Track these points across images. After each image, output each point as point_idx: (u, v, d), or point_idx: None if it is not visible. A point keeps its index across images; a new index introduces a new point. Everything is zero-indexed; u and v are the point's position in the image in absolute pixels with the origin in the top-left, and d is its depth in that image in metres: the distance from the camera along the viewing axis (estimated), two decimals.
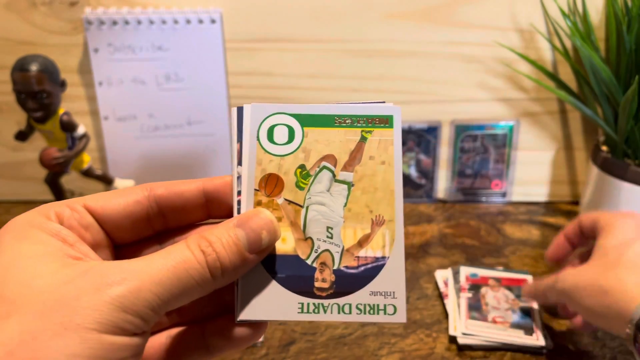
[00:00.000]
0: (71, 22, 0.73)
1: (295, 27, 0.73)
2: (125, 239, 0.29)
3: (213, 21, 0.71)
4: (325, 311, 0.28)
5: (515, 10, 0.72)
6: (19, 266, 0.23)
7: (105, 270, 0.23)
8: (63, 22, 0.73)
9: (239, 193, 0.29)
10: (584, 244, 0.53)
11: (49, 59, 0.65)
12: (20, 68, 0.63)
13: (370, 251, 0.29)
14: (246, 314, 0.28)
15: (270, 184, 0.29)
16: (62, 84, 0.67)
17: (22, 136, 0.69)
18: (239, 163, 0.29)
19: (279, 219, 0.28)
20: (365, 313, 0.28)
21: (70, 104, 0.75)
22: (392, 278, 0.28)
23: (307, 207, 0.29)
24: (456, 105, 0.77)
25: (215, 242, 0.25)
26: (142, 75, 0.73)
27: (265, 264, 0.28)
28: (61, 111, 0.67)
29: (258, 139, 0.29)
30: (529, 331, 0.54)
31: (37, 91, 0.63)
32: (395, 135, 0.30)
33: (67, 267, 0.23)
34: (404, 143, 0.78)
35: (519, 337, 0.53)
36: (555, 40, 0.73)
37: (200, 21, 0.71)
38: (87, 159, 0.73)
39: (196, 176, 0.82)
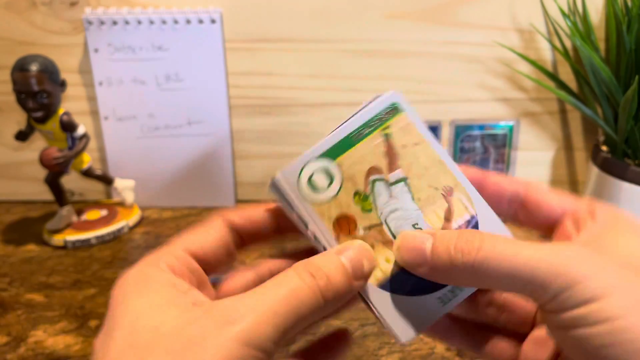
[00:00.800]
0: (71, 22, 0.73)
1: (295, 27, 0.73)
2: (218, 272, 0.30)
3: (213, 21, 0.71)
4: (461, 289, 0.29)
5: (515, 10, 0.72)
6: (145, 316, 0.24)
7: (225, 308, 0.24)
8: (63, 22, 0.73)
9: (324, 249, 0.29)
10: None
11: (49, 59, 0.65)
12: (20, 68, 0.63)
13: (459, 219, 0.30)
14: (406, 336, 0.28)
15: (344, 225, 0.29)
16: (62, 84, 0.67)
17: (22, 136, 0.69)
18: (306, 227, 0.29)
19: (372, 246, 0.29)
20: None
21: (70, 104, 0.75)
22: (492, 226, 0.30)
23: (385, 222, 0.29)
24: (456, 105, 0.77)
25: (324, 266, 0.26)
26: (142, 75, 0.73)
27: (390, 289, 0.29)
28: (61, 111, 0.67)
29: (306, 199, 0.29)
30: None
31: (37, 91, 0.63)
32: (409, 116, 0.31)
33: (188, 312, 0.24)
34: None
35: None
36: (555, 40, 0.73)
37: (200, 21, 0.71)
38: (87, 159, 0.73)
39: (195, 176, 0.83)
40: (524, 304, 0.33)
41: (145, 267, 0.27)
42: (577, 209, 0.30)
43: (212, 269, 0.30)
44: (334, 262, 0.26)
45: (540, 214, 0.31)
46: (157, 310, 0.24)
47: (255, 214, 0.30)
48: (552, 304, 0.25)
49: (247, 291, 0.25)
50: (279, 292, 0.24)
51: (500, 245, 0.25)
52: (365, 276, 0.27)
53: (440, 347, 0.54)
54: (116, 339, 0.24)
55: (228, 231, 0.30)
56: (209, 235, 0.29)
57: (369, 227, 0.29)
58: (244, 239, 0.31)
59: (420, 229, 0.29)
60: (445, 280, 0.28)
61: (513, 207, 0.32)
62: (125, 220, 0.73)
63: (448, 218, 0.30)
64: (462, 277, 0.26)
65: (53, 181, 0.71)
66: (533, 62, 0.72)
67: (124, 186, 0.75)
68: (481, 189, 0.31)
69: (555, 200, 0.31)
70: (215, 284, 0.30)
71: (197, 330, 0.23)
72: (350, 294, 0.27)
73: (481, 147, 0.78)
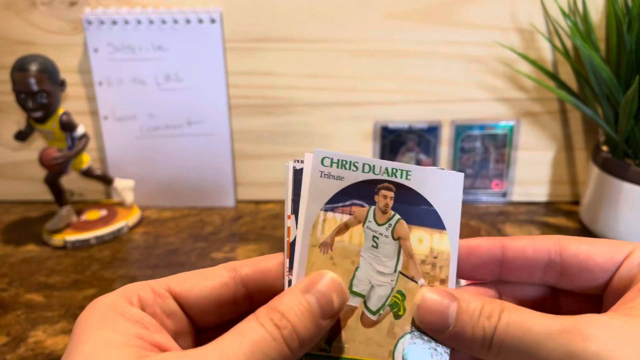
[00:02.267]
0: (71, 22, 0.73)
1: (295, 27, 0.73)
2: (209, 323, 0.28)
3: (213, 21, 0.71)
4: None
5: (515, 10, 0.72)
6: (96, 357, 0.22)
7: None
8: (63, 22, 0.73)
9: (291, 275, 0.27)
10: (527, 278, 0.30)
11: (49, 59, 0.65)
12: (19, 68, 0.63)
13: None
14: None
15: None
16: (62, 84, 0.67)
17: (21, 136, 0.69)
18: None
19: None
20: None
21: (70, 104, 0.75)
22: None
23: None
24: (456, 105, 0.77)
25: (287, 313, 0.24)
26: (142, 75, 0.73)
27: None
28: (61, 111, 0.67)
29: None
30: None
31: (37, 91, 0.63)
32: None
33: (144, 359, 0.22)
34: (403, 143, 0.78)
35: None
36: (556, 40, 0.72)
37: (200, 21, 0.71)
38: (87, 159, 0.73)
39: (195, 176, 0.83)
40: None
41: (116, 296, 0.25)
42: (632, 263, 0.26)
43: (201, 319, 0.27)
44: (299, 305, 0.24)
45: (588, 278, 0.28)
46: (111, 352, 0.22)
47: (269, 264, 0.28)
48: None
49: (208, 344, 0.23)
50: (241, 346, 0.22)
51: (514, 320, 0.24)
52: (336, 313, 0.25)
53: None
54: None
55: (233, 283, 0.27)
56: (206, 281, 0.27)
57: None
58: (253, 297, 0.28)
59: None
60: (463, 350, 0.26)
61: (552, 275, 0.28)
62: (125, 221, 0.73)
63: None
64: (481, 352, 0.25)
65: (53, 181, 0.71)
66: (533, 62, 0.72)
67: (123, 186, 0.75)
68: (502, 263, 0.28)
69: (603, 255, 0.27)
70: None
71: None
72: (320, 335, 0.25)
73: (481, 147, 0.78)
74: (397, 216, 0.28)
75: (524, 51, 0.73)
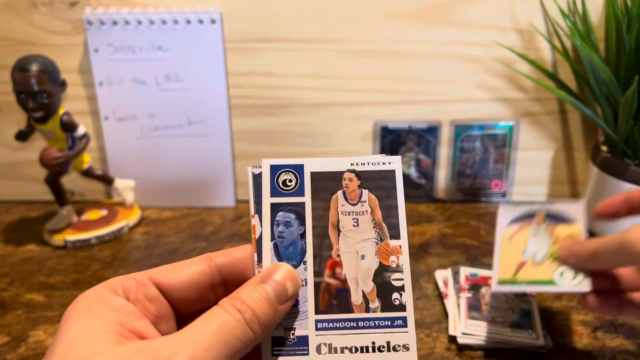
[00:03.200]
0: (71, 22, 0.73)
1: (295, 27, 0.73)
2: (190, 309, 0.30)
3: (213, 21, 0.71)
4: None
5: (515, 10, 0.72)
6: (79, 342, 0.24)
7: (158, 347, 0.24)
8: (63, 22, 0.73)
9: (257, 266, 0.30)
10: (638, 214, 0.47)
11: (49, 59, 0.65)
12: (20, 68, 0.63)
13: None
14: None
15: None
16: (62, 84, 0.67)
17: (22, 136, 0.69)
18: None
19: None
20: None
21: (71, 104, 0.75)
22: None
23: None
24: (456, 105, 0.77)
25: (247, 300, 0.26)
26: (142, 75, 0.73)
27: None
28: (61, 111, 0.67)
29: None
30: (528, 331, 0.54)
31: (37, 91, 0.63)
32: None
33: (122, 344, 0.24)
34: (403, 143, 0.78)
35: (518, 337, 0.53)
36: (555, 40, 0.73)
37: (200, 21, 0.71)
38: (87, 159, 0.73)
39: (195, 176, 0.83)
40: None
41: (100, 287, 0.27)
42: None
43: (181, 305, 0.30)
44: (257, 294, 0.27)
45: None
46: (93, 337, 0.24)
47: (241, 254, 0.30)
48: None
49: (178, 331, 0.25)
50: (209, 328, 0.25)
51: (595, 240, 0.43)
52: (290, 299, 0.28)
53: (440, 347, 0.54)
54: None
55: (209, 270, 0.30)
56: (185, 269, 0.30)
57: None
58: (228, 283, 0.30)
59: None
60: (580, 265, 0.45)
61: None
62: (125, 220, 0.73)
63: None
64: (589, 263, 0.44)
65: (53, 181, 0.71)
66: (533, 62, 0.72)
67: (124, 186, 0.75)
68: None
69: None
70: None
71: None
72: (279, 319, 0.28)
73: (481, 147, 0.78)
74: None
75: (523, 51, 0.73)
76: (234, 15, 0.72)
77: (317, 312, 0.30)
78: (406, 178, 0.80)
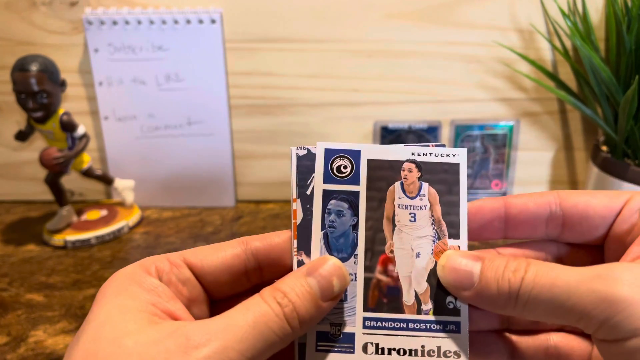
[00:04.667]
0: (71, 22, 0.73)
1: (295, 27, 0.73)
2: (223, 294, 0.29)
3: (213, 21, 0.71)
4: None
5: (515, 10, 0.72)
6: (111, 321, 0.24)
7: (191, 331, 0.23)
8: (63, 22, 0.73)
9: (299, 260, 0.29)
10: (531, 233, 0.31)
11: (49, 59, 0.65)
12: (20, 68, 0.63)
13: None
14: None
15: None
16: (62, 84, 0.67)
17: (22, 136, 0.69)
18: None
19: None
20: None
21: (70, 104, 0.75)
22: None
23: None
24: (456, 105, 0.77)
25: (289, 293, 0.25)
26: (142, 75, 0.73)
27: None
28: (61, 111, 0.67)
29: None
30: None
31: (37, 91, 0.63)
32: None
33: (155, 325, 0.24)
34: (403, 143, 0.78)
35: None
36: (555, 40, 0.73)
37: (200, 21, 0.71)
38: (87, 159, 0.73)
39: (195, 176, 0.83)
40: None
41: (134, 267, 0.27)
42: (631, 209, 0.27)
43: (214, 289, 0.29)
44: (300, 287, 0.26)
45: (588, 227, 0.28)
46: (125, 317, 0.24)
47: (278, 239, 0.29)
48: (600, 333, 0.23)
49: (214, 317, 0.24)
50: (246, 318, 0.24)
51: (542, 272, 0.24)
52: (336, 297, 0.27)
53: None
54: (80, 345, 0.23)
55: (244, 255, 0.29)
56: (219, 252, 0.29)
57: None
58: (264, 269, 0.29)
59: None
60: (488, 308, 0.27)
61: (554, 228, 0.29)
62: (125, 220, 0.73)
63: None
64: (507, 307, 0.25)
65: (53, 181, 0.71)
66: (533, 62, 0.72)
67: (124, 186, 0.75)
68: (507, 219, 0.29)
69: (601, 204, 0.28)
70: None
71: (160, 352, 0.22)
72: (320, 316, 0.26)
73: (481, 147, 0.78)
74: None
75: (523, 51, 0.73)
76: (234, 15, 0.72)
77: (365, 309, 0.28)
78: None
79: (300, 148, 0.29)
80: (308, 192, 0.29)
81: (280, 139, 0.78)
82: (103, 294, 0.26)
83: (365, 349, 0.28)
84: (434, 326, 0.28)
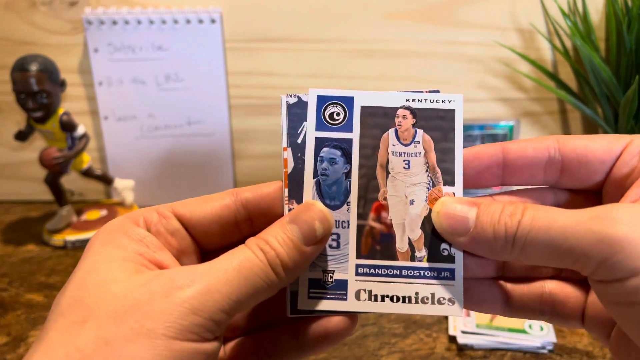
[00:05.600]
0: (71, 22, 0.73)
1: (295, 27, 0.73)
2: (213, 245, 0.29)
3: (213, 21, 0.71)
4: None
5: (515, 10, 0.72)
6: (98, 269, 0.24)
7: (175, 274, 0.23)
8: (63, 22, 0.73)
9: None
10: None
11: (49, 59, 0.65)
12: (20, 68, 0.63)
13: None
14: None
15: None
16: (62, 84, 0.67)
17: (22, 136, 0.69)
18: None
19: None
20: None
21: (70, 104, 0.75)
22: None
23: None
24: None
25: (271, 240, 0.25)
26: (142, 75, 0.73)
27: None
28: (61, 111, 0.67)
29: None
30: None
31: (37, 91, 0.63)
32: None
33: (141, 273, 0.24)
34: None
35: (518, 337, 0.53)
36: (555, 40, 0.73)
37: (200, 21, 0.71)
38: (87, 159, 0.73)
39: (195, 176, 0.83)
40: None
41: (122, 218, 0.27)
42: (631, 153, 0.27)
43: (204, 240, 0.29)
44: (282, 234, 0.26)
45: (587, 172, 0.28)
46: (111, 265, 0.24)
47: (269, 189, 0.29)
48: (598, 274, 0.23)
49: (202, 263, 0.24)
50: (231, 262, 0.24)
51: (539, 215, 0.24)
52: (320, 241, 0.26)
53: (440, 347, 0.54)
54: (66, 293, 0.24)
55: (234, 205, 0.28)
56: (208, 203, 0.29)
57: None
58: (254, 220, 0.29)
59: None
60: (484, 253, 0.26)
61: (553, 174, 0.29)
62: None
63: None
64: (503, 251, 0.25)
65: (53, 181, 0.71)
66: (533, 62, 0.72)
67: (123, 186, 0.75)
68: (505, 165, 0.29)
69: (601, 148, 0.27)
70: None
71: (144, 294, 0.22)
72: (307, 261, 0.26)
73: None
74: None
75: (523, 51, 0.73)
76: (234, 15, 0.72)
77: (358, 256, 0.28)
78: None
79: (291, 96, 0.29)
80: (299, 141, 0.29)
81: (280, 139, 0.78)
82: (91, 245, 0.26)
83: (357, 295, 0.28)
84: (428, 273, 0.28)
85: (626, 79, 0.65)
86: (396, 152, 0.29)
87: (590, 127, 0.77)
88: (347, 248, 0.28)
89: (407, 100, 0.29)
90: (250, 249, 0.25)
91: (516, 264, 0.30)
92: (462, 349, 0.53)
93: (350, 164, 0.29)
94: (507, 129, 0.77)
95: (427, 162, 0.29)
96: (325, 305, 0.28)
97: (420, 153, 0.29)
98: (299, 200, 0.28)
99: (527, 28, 0.73)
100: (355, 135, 0.29)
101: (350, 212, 0.28)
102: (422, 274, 0.28)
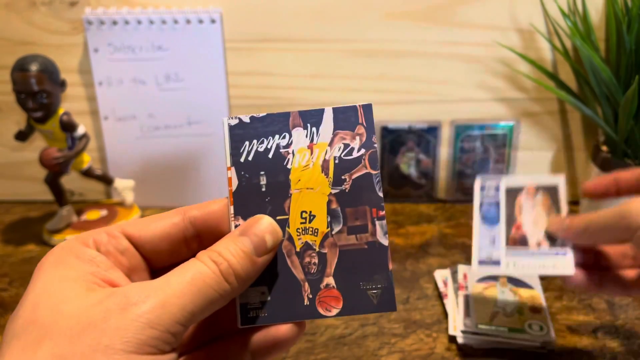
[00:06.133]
0: (71, 22, 0.73)
1: (295, 27, 0.73)
2: (163, 262, 0.30)
3: (213, 21, 0.71)
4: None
5: (515, 10, 0.72)
6: (50, 290, 0.24)
7: (129, 291, 0.24)
8: (63, 22, 0.73)
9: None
10: (626, 195, 0.47)
11: (49, 59, 0.65)
12: (20, 68, 0.63)
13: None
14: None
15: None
16: (62, 84, 0.67)
17: (22, 136, 0.69)
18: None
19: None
20: None
21: (70, 104, 0.75)
22: None
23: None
24: (456, 105, 0.77)
25: (223, 252, 0.26)
26: (142, 75, 0.73)
27: None
28: (61, 111, 0.67)
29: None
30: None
31: (37, 91, 0.63)
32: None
33: (93, 291, 0.24)
34: (403, 143, 0.78)
35: (517, 337, 0.53)
36: (555, 40, 0.73)
37: (200, 21, 0.71)
38: (87, 159, 0.73)
39: (195, 176, 0.82)
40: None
41: (72, 241, 0.27)
42: None
43: (154, 257, 0.29)
44: (234, 246, 0.27)
45: None
46: (63, 286, 0.24)
47: (215, 207, 0.30)
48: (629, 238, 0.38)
49: (154, 279, 0.25)
50: (183, 276, 0.25)
51: (589, 215, 0.44)
52: (269, 251, 0.28)
53: (440, 347, 0.54)
54: (19, 314, 0.24)
55: (182, 223, 0.29)
56: (157, 222, 0.29)
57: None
58: (202, 237, 0.30)
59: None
60: (570, 239, 0.46)
61: None
62: (125, 220, 0.73)
63: None
64: (581, 236, 0.45)
65: (53, 181, 0.71)
66: (533, 62, 0.72)
67: (123, 186, 0.75)
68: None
69: None
70: None
71: (99, 312, 0.23)
72: (257, 271, 0.27)
73: (481, 147, 0.78)
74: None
75: (523, 51, 0.73)
76: (234, 15, 0.72)
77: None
78: (406, 178, 0.80)
79: (232, 118, 0.31)
80: (242, 160, 0.30)
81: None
82: (40, 267, 0.26)
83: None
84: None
85: (626, 79, 0.65)
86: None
87: (590, 127, 0.77)
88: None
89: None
90: (202, 261, 0.26)
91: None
92: (462, 349, 0.53)
93: None
94: (507, 129, 0.77)
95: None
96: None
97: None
98: (245, 217, 0.30)
99: (527, 28, 0.73)
100: None
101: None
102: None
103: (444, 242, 0.71)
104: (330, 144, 0.30)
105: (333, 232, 0.29)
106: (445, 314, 0.58)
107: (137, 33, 0.71)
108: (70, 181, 0.77)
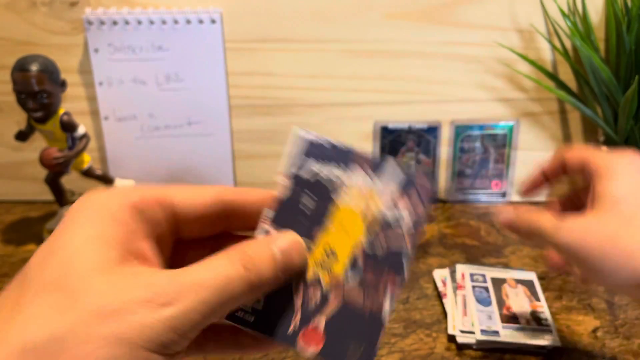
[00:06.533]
0: (71, 22, 0.73)
1: (295, 27, 0.73)
2: (192, 235, 0.30)
3: (213, 21, 0.71)
4: None
5: (515, 11, 0.72)
6: (83, 251, 0.24)
7: (160, 287, 0.23)
8: (63, 22, 0.73)
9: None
10: (560, 179, 0.51)
11: (49, 59, 0.65)
12: (20, 68, 0.63)
13: None
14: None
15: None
16: (62, 84, 0.67)
17: (22, 136, 0.69)
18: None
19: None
20: None
21: (71, 104, 0.75)
22: None
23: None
24: (456, 105, 0.77)
25: (257, 262, 0.26)
26: (142, 75, 0.73)
27: None
28: (61, 111, 0.67)
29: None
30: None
31: (37, 91, 0.63)
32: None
33: (125, 266, 0.24)
34: (403, 143, 0.78)
35: (517, 337, 0.53)
36: (555, 40, 0.73)
37: (200, 21, 0.71)
38: (87, 159, 0.73)
39: (195, 176, 0.82)
40: None
41: (111, 195, 0.26)
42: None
43: (187, 230, 0.29)
44: (267, 255, 0.26)
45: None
46: (98, 249, 0.24)
47: (254, 197, 0.30)
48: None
49: (182, 269, 0.24)
50: (215, 280, 0.24)
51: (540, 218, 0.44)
52: (293, 271, 0.28)
53: (440, 347, 0.54)
54: (48, 272, 0.23)
55: (220, 203, 0.29)
56: (201, 197, 0.29)
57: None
58: (231, 220, 0.30)
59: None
60: (511, 231, 0.46)
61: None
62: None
63: None
64: (520, 234, 0.46)
65: (53, 181, 0.71)
66: (533, 62, 0.72)
67: (124, 186, 0.75)
68: None
69: None
70: None
71: (127, 301, 0.23)
72: (273, 286, 0.27)
73: (481, 147, 0.78)
74: None
75: (523, 51, 0.73)
76: (234, 15, 0.72)
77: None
78: None
79: (307, 132, 0.31)
80: (298, 174, 0.30)
81: (280, 139, 0.78)
82: (74, 218, 0.25)
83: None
84: None
85: (626, 79, 0.65)
86: None
87: (590, 127, 0.77)
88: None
89: None
90: (233, 265, 0.25)
91: None
92: (461, 348, 0.53)
93: None
94: (507, 129, 0.77)
95: None
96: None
97: None
98: (277, 225, 0.29)
99: (527, 28, 0.73)
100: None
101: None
102: None
103: (443, 242, 0.71)
104: (385, 202, 0.30)
105: (346, 283, 0.29)
106: (444, 314, 0.58)
107: (137, 33, 0.71)
108: (71, 181, 0.77)
